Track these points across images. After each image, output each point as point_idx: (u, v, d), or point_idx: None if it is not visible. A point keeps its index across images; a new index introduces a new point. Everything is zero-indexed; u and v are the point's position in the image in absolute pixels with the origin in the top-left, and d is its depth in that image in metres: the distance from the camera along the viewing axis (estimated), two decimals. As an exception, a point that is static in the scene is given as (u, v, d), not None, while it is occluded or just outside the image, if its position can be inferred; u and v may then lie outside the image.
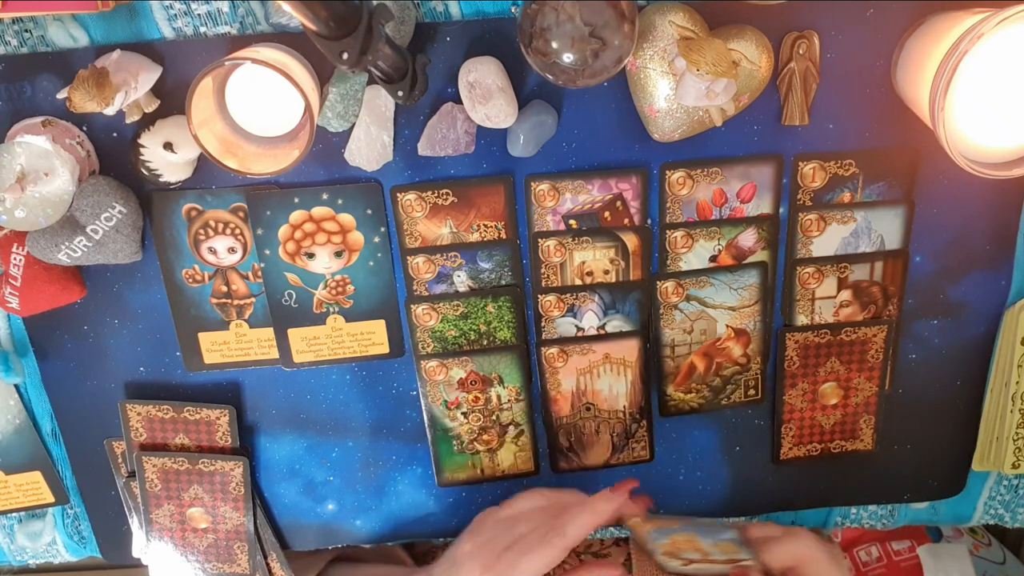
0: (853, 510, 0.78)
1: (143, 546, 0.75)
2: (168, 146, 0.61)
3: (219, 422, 0.71)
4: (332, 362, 0.70)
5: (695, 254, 0.67)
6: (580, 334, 0.69)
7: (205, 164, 0.64)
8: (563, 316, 0.69)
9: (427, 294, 0.68)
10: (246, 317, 0.69)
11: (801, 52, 0.61)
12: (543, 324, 0.69)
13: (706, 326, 0.70)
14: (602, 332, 0.69)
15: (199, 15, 0.60)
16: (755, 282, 0.69)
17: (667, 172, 0.65)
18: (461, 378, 0.71)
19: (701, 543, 0.61)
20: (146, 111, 0.61)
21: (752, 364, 0.71)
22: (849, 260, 0.68)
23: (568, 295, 0.68)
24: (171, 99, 0.61)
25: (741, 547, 0.61)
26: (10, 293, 0.63)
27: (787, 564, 0.62)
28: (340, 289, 0.68)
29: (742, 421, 0.74)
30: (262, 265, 0.67)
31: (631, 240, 0.67)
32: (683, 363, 0.71)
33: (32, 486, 0.74)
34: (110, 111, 0.57)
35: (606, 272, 0.68)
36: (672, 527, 0.63)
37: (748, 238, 0.67)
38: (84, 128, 0.62)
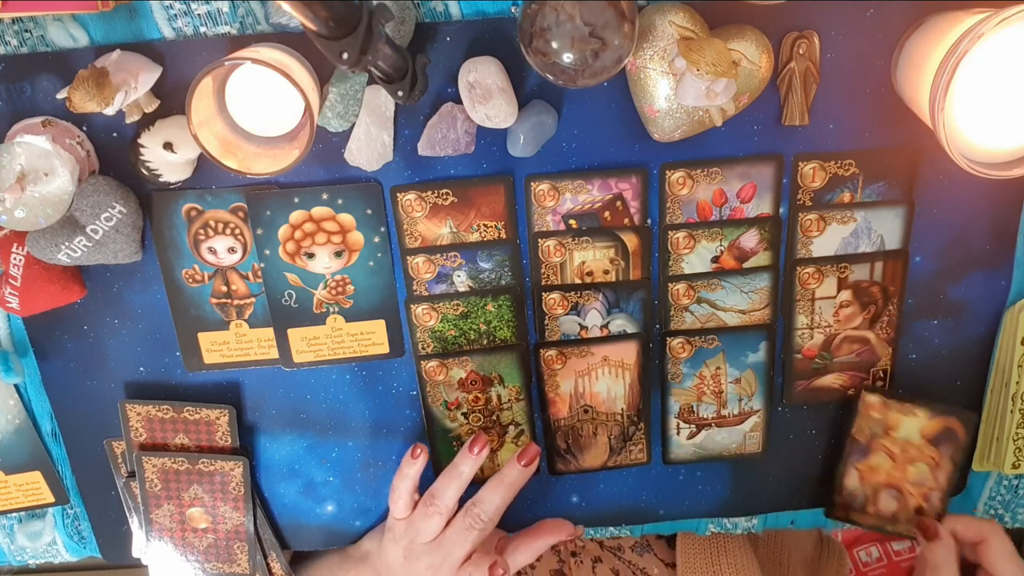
0: (853, 510, 0.78)
1: (143, 546, 0.75)
2: (168, 146, 0.61)
3: (219, 422, 0.71)
4: (332, 362, 0.70)
5: (697, 255, 0.67)
6: (583, 333, 0.69)
7: (205, 164, 0.64)
8: (567, 314, 0.69)
9: (427, 294, 0.68)
10: (246, 317, 0.69)
11: (801, 52, 0.61)
12: (546, 322, 0.69)
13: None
14: (605, 332, 0.69)
15: (199, 15, 0.60)
16: (766, 285, 0.68)
17: (667, 172, 0.65)
18: (461, 378, 0.71)
19: None
20: (146, 111, 0.61)
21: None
22: (849, 260, 0.68)
23: (572, 293, 0.68)
24: (171, 99, 0.61)
25: None
26: (10, 293, 0.63)
27: (975, 535, 0.70)
28: (340, 289, 0.68)
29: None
30: (262, 265, 0.67)
31: (631, 240, 0.67)
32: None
33: (32, 486, 0.74)
34: (110, 111, 0.57)
35: (606, 272, 0.68)
36: None
37: (750, 239, 0.67)
38: (84, 128, 0.62)
